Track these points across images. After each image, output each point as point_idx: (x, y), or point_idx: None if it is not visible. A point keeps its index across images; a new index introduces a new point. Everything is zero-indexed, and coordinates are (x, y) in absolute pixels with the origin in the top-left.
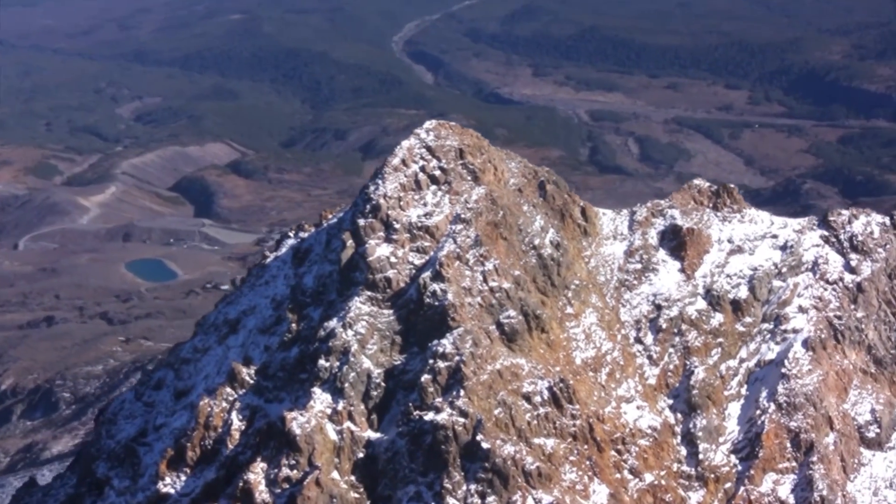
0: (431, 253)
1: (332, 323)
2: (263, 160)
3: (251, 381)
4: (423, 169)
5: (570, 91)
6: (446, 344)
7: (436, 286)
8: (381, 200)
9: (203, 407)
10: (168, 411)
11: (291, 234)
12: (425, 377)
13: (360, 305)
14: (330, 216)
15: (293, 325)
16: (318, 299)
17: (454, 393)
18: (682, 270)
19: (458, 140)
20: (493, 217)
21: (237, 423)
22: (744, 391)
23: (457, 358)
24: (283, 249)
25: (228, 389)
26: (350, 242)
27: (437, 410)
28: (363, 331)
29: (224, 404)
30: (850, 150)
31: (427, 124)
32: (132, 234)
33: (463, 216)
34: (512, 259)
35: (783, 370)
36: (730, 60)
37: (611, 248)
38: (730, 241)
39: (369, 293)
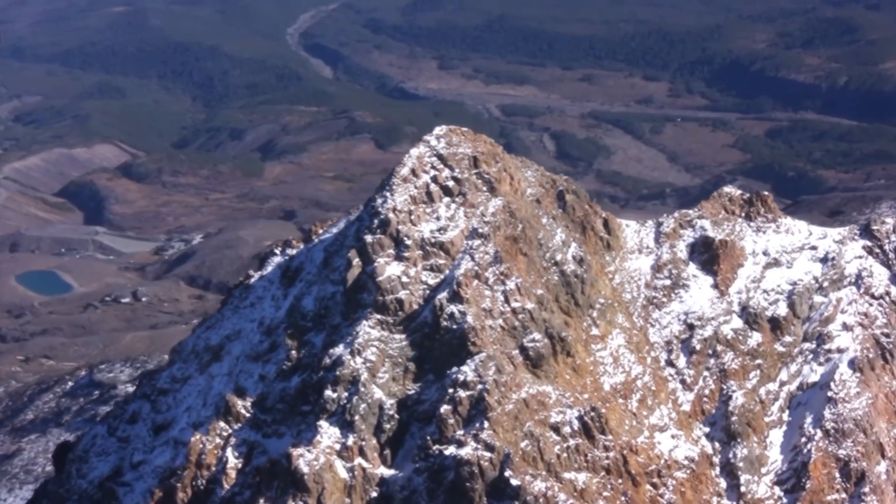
0: (447, 271)
1: (339, 349)
2: (156, 162)
3: (246, 415)
4: (434, 179)
5: (479, 84)
6: (467, 371)
7: (454, 308)
8: (391, 215)
9: (194, 444)
10: (146, 447)
11: (277, 251)
12: (445, 408)
13: (369, 330)
14: (321, 231)
15: (292, 352)
16: (321, 323)
17: (477, 425)
18: (715, 286)
19: (471, 147)
20: (511, 231)
21: (233, 460)
22: (786, 417)
23: (479, 386)
24: (269, 268)
25: (222, 424)
26: (356, 261)
27: (460, 444)
28: (373, 358)
29: (217, 440)
30: (779, 145)
31: (437, 130)
32: (20, 243)
33: (480, 231)
34: (533, 277)
35: (829, 393)
36: (647, 50)
37: (636, 262)
38: (765, 253)
39: (379, 316)
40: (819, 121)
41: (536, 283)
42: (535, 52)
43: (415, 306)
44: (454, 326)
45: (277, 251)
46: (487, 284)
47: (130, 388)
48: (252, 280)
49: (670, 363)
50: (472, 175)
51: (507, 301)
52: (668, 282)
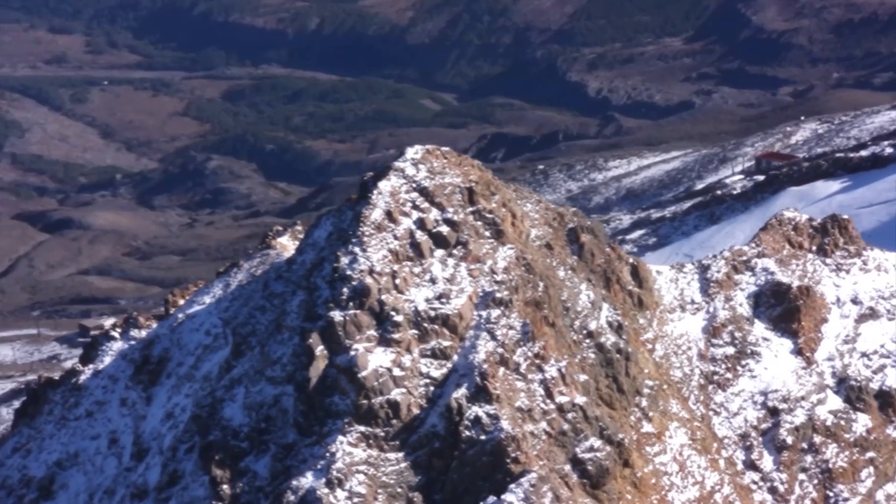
0: (455, 357)
1: (307, 479)
2: None
3: None
4: (420, 224)
5: None
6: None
7: (478, 410)
8: (367, 279)
9: None
10: None
11: (115, 333)
12: None
13: (349, 449)
14: (181, 302)
15: (223, 486)
16: (262, 444)
17: None
18: (798, 352)
19: (460, 174)
20: (532, 293)
21: None
22: None
23: None
24: (107, 358)
25: None
26: (320, 350)
27: None
28: (362, 490)
29: None
30: (244, 109)
31: (411, 152)
32: None
33: (497, 295)
34: (566, 356)
35: None
36: None
37: (682, 325)
38: (854, 300)
39: (363, 429)
40: (290, 76)
41: (572, 365)
42: None
43: (415, 410)
44: (482, 437)
45: (116, 333)
46: (519, 373)
47: None
48: (82, 378)
49: (752, 465)
50: (469, 215)
51: (549, 395)
52: (730, 350)
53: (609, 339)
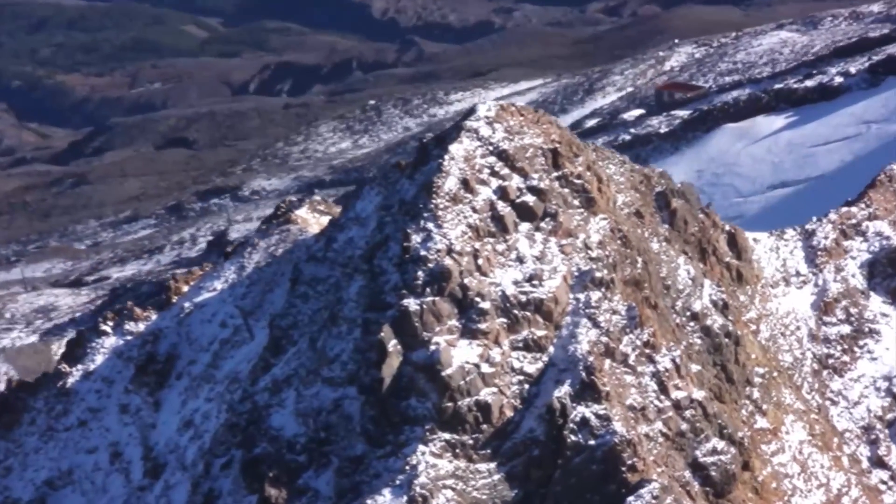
0: (552, 349)
1: (383, 499)
2: None
3: None
4: (502, 194)
5: None
6: None
7: (585, 410)
8: (447, 260)
9: None
10: None
11: (107, 327)
12: None
13: (432, 461)
14: (185, 288)
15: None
16: (322, 455)
17: None
18: None
19: (540, 134)
20: (632, 272)
21: None
22: None
23: None
24: (99, 357)
25: None
26: (393, 345)
27: None
28: None
29: None
30: None
31: (483, 110)
32: None
33: (596, 275)
34: (671, 342)
35: None
36: None
37: (786, 301)
38: None
39: (448, 436)
40: (31, 3)
41: (683, 353)
42: None
43: (508, 413)
44: (591, 442)
45: (107, 327)
46: (627, 365)
47: None
48: (69, 382)
49: (879, 462)
50: (555, 181)
51: (663, 390)
52: (845, 328)
53: (716, 320)
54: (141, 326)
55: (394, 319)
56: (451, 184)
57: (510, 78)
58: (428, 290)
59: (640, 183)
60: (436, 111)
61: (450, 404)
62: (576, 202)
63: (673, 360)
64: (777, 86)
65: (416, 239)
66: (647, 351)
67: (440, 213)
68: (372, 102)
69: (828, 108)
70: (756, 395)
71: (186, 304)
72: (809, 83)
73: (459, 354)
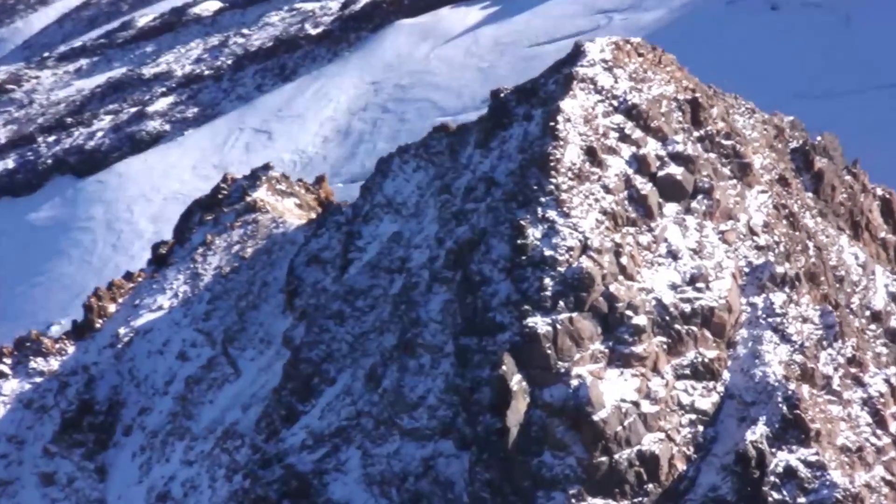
0: (726, 375)
1: None
2: None
3: None
4: (640, 167)
5: None
6: None
7: (789, 456)
8: (586, 261)
9: None
10: None
11: (3, 363)
12: None
13: None
14: (137, 284)
15: None
16: None
17: None
18: None
19: (669, 80)
20: (805, 262)
21: None
22: None
23: None
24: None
25: None
26: (517, 381)
27: None
28: None
29: None
30: None
31: (595, 50)
32: None
33: (779, 270)
34: (871, 356)
35: None
36: None
37: None
38: None
39: (601, 503)
40: None
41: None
42: None
43: (680, 466)
44: (803, 500)
45: (4, 367)
46: (832, 392)
47: None
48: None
49: None
50: (699, 144)
51: (879, 423)
52: None
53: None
54: (55, 364)
55: (514, 346)
56: (572, 155)
57: None
58: (561, 303)
59: (775, 138)
60: None
61: (604, 458)
62: (726, 171)
63: (887, 381)
64: None
65: (533, 233)
66: (853, 370)
67: (564, 196)
68: None
69: None
70: None
71: (121, 330)
72: None
73: (610, 389)
